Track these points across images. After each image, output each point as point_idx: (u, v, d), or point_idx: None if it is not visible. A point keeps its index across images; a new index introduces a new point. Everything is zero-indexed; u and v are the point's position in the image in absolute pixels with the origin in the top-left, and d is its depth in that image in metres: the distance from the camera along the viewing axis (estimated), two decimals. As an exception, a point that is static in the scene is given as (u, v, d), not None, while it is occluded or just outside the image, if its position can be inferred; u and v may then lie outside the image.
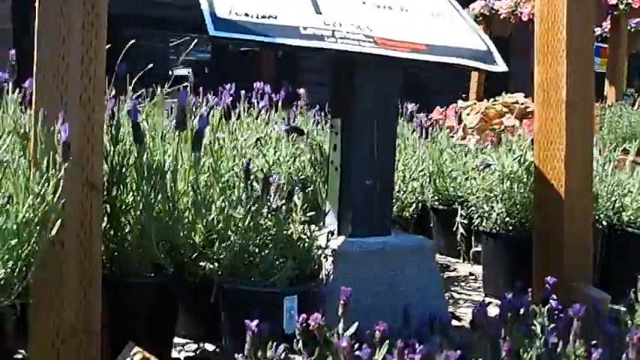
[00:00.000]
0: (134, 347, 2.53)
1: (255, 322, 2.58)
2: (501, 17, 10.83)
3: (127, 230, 2.97)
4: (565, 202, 3.90)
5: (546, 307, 2.63)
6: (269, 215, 3.01)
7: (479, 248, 5.02)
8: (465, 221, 5.12)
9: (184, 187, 2.98)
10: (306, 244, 3.00)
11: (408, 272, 3.33)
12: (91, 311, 2.62)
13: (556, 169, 3.95)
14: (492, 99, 8.26)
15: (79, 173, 2.52)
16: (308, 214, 3.07)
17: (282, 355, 2.43)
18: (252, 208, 2.96)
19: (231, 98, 3.69)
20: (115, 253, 2.97)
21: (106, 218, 2.93)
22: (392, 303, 3.04)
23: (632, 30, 11.30)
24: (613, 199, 4.99)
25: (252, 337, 2.57)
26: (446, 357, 1.86)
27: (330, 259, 3.14)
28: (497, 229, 4.79)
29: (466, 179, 5.20)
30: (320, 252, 3.04)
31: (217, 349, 3.21)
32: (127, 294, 2.91)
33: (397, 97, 3.64)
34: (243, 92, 4.32)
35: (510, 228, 4.78)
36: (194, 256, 2.97)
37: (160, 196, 2.88)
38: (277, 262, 2.87)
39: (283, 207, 2.99)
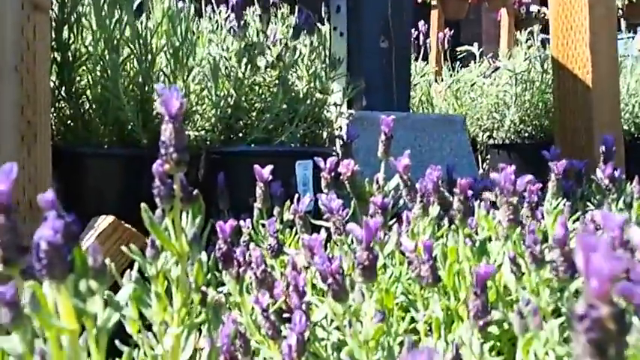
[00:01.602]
0: (101, 216, 1.84)
1: (267, 174, 1.92)
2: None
3: (84, 89, 2.26)
4: (593, 91, 3.36)
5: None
6: (267, 69, 2.34)
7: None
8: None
9: (160, 25, 2.27)
10: (317, 101, 2.34)
11: (436, 143, 2.70)
12: (35, 181, 1.92)
13: (580, 56, 3.40)
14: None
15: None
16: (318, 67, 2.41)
17: (302, 214, 1.76)
18: (246, 58, 2.28)
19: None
20: (70, 122, 2.27)
21: (54, 71, 2.22)
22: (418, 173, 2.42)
23: None
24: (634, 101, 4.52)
25: (263, 192, 1.90)
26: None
27: (345, 122, 2.49)
28: (511, 138, 4.27)
29: (472, 85, 4.62)
30: (335, 112, 2.39)
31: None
32: (88, 168, 2.22)
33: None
34: None
35: (526, 135, 4.27)
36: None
37: (128, 45, 2.18)
38: (284, 119, 2.21)
39: (286, 55, 2.32)
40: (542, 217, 1.75)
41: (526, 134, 4.26)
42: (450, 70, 5.05)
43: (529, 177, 1.29)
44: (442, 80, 5.04)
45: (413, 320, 1.52)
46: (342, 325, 1.22)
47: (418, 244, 1.44)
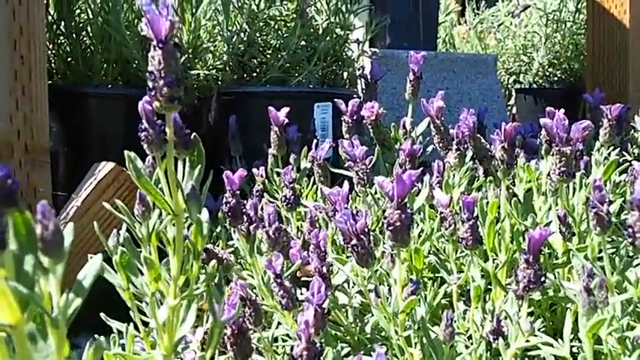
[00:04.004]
0: (102, 163, 1.69)
1: (283, 117, 1.75)
2: None
3: (84, 24, 2.08)
4: (630, 31, 3.12)
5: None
6: (283, 1, 2.13)
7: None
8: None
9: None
10: (338, 38, 2.14)
11: (465, 85, 2.50)
12: (32, 123, 1.77)
13: None
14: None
15: None
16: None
17: (321, 162, 1.59)
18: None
19: None
20: (70, 59, 2.09)
21: (52, 3, 2.04)
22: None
23: None
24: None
25: (278, 137, 1.73)
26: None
27: (368, 61, 2.29)
28: (538, 83, 4.03)
29: (499, 26, 4.35)
30: (357, 50, 2.18)
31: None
32: (90, 109, 2.05)
33: None
34: None
35: (555, 79, 4.02)
36: (182, 59, 2.09)
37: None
38: (302, 56, 2.01)
39: (304, -13, 2.11)
40: (585, 168, 1.57)
41: (555, 78, 4.02)
42: (474, 10, 4.77)
43: (586, 122, 1.10)
44: (465, 22, 4.77)
45: (443, 281, 1.37)
46: (367, 291, 1.07)
47: (453, 198, 1.28)
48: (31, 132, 1.79)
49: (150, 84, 0.74)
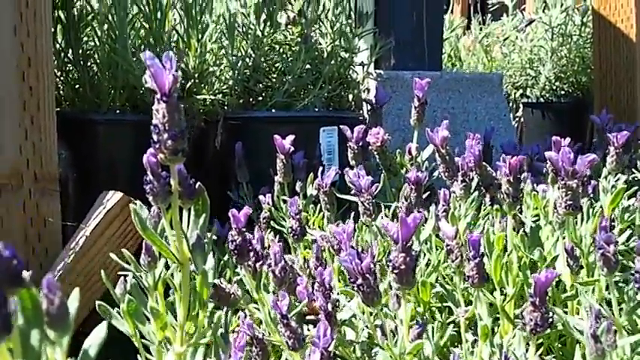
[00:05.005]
0: (109, 192, 1.70)
1: (288, 145, 1.75)
2: None
3: (91, 51, 2.10)
4: (637, 45, 3.12)
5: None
6: (288, 25, 2.14)
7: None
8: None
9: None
10: (342, 61, 2.15)
11: (471, 105, 2.50)
12: (41, 152, 1.79)
13: (623, 7, 3.15)
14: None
15: None
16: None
17: (327, 189, 1.60)
18: (265, 14, 2.09)
19: None
20: (78, 87, 2.11)
21: (59, 32, 2.06)
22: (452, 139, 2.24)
23: None
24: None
25: (284, 165, 1.74)
26: None
27: (373, 84, 2.29)
28: (545, 97, 4.02)
29: (505, 40, 4.35)
30: (362, 73, 2.19)
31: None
32: (98, 136, 2.07)
33: None
34: None
35: (563, 93, 4.02)
36: (187, 86, 2.10)
37: (136, 2, 2.00)
38: (308, 80, 2.02)
39: (309, 10, 2.12)
40: (593, 192, 1.57)
41: (562, 92, 4.01)
42: (480, 24, 4.78)
43: (592, 156, 1.10)
44: (471, 34, 4.77)
45: (451, 311, 1.36)
46: (373, 328, 1.07)
47: (459, 230, 1.28)
48: (40, 161, 1.80)
49: (154, 137, 0.75)
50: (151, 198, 0.76)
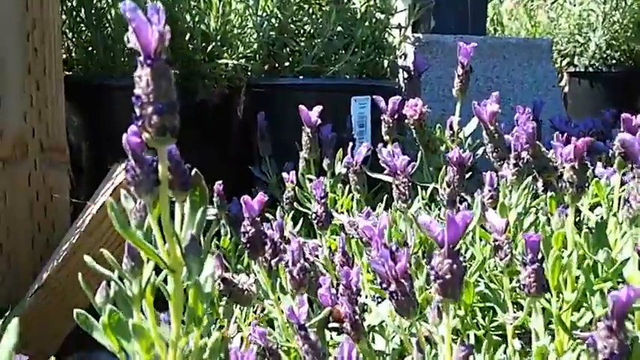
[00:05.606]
0: (120, 166, 1.55)
1: (315, 117, 1.58)
2: None
3: (104, 9, 1.94)
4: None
5: None
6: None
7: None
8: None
9: None
10: (377, 23, 1.96)
11: (517, 73, 2.29)
12: (47, 120, 1.66)
13: None
14: None
15: None
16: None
17: (357, 168, 1.43)
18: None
19: None
20: (92, 49, 1.96)
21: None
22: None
23: None
24: None
25: (310, 139, 1.57)
26: None
27: (411, 49, 2.10)
28: (595, 66, 3.77)
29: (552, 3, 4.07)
30: (399, 37, 2.00)
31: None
32: (113, 103, 1.92)
33: None
34: None
35: (614, 62, 3.76)
36: (209, 48, 1.93)
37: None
38: (339, 44, 1.83)
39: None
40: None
41: (613, 61, 3.75)
42: (525, -15, 4.49)
43: (677, 141, 0.91)
44: (515, -4, 4.49)
45: (495, 312, 1.20)
46: (407, 340, 0.91)
47: (510, 221, 1.10)
48: (47, 130, 1.66)
49: (136, 110, 0.59)
50: (132, 189, 0.60)
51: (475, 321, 1.15)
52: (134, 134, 0.61)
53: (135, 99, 0.59)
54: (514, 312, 1.07)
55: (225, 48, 1.96)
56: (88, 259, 0.72)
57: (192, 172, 0.66)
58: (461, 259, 0.73)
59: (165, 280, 0.69)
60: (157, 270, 0.71)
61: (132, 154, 0.61)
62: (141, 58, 0.58)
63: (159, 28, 0.57)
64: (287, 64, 1.94)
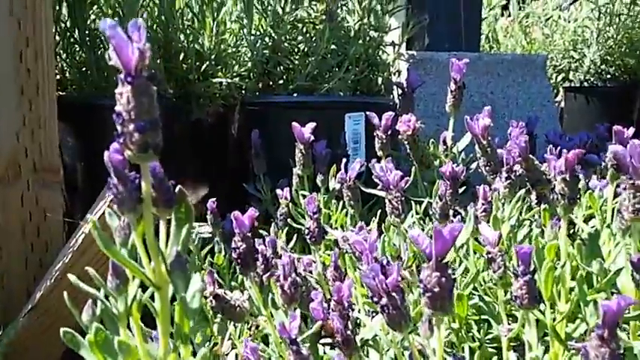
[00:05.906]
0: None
1: (308, 134, 1.58)
2: None
3: (98, 30, 1.95)
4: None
5: None
6: (312, 2, 1.97)
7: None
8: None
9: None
10: (371, 40, 1.96)
11: (512, 89, 2.30)
12: (40, 140, 1.66)
13: None
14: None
15: None
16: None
17: (351, 184, 1.43)
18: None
19: None
20: (85, 69, 1.96)
21: (65, 10, 1.92)
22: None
23: None
24: None
25: (304, 156, 1.57)
26: None
27: (404, 66, 2.10)
28: (590, 81, 3.79)
29: (547, 20, 4.10)
30: (393, 54, 2.00)
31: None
32: (107, 122, 1.92)
33: None
34: None
35: (609, 77, 3.78)
36: (203, 67, 1.94)
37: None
38: (332, 62, 1.84)
39: (334, -14, 1.94)
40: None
41: (608, 75, 3.77)
42: (519, 2, 4.53)
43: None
44: (509, 15, 4.52)
45: (490, 325, 1.19)
46: (400, 354, 0.90)
47: (503, 234, 1.10)
48: (40, 150, 1.66)
49: (118, 128, 0.59)
50: (115, 207, 0.60)
51: (470, 334, 1.14)
52: (116, 152, 0.61)
53: (116, 116, 0.59)
54: (509, 324, 1.06)
55: (219, 67, 1.97)
56: (72, 277, 0.72)
57: (177, 189, 0.66)
58: (450, 271, 0.73)
59: (152, 297, 0.69)
60: (144, 287, 0.71)
61: (114, 172, 0.61)
62: (121, 76, 0.59)
63: (139, 46, 0.57)
64: (281, 82, 1.95)
